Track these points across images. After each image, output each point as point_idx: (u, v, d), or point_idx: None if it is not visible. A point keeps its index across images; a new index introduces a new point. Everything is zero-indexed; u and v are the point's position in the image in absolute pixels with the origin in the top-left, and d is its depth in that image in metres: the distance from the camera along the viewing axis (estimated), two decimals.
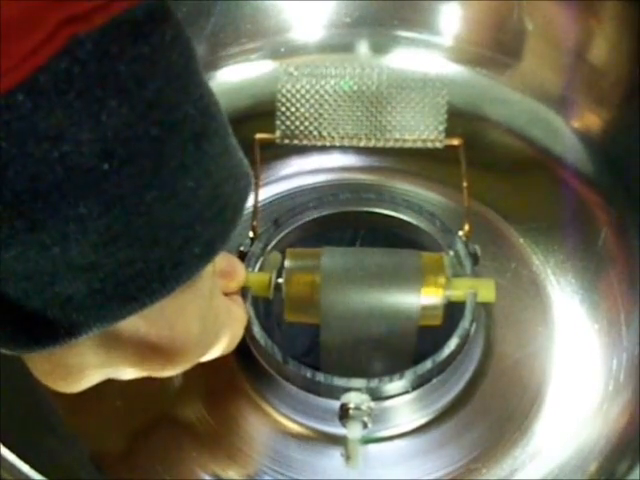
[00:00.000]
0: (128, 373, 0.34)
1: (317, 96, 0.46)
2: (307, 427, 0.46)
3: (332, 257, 0.45)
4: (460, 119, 0.53)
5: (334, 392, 0.43)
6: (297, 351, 0.50)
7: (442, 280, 0.45)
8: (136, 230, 0.26)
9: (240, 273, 0.43)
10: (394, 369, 0.44)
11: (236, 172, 0.29)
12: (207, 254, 0.28)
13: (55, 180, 0.24)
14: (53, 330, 0.27)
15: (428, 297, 0.45)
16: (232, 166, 0.29)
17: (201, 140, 0.27)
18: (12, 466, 0.36)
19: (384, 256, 0.46)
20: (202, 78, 0.27)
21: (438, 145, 0.47)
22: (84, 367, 0.32)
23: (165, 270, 0.27)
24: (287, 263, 0.46)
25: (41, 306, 0.26)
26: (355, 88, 0.46)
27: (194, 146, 0.26)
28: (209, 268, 0.33)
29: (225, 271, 0.41)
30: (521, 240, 0.53)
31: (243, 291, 0.44)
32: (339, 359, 0.46)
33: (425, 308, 0.45)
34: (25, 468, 0.35)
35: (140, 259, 0.26)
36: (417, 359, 0.44)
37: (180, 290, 0.28)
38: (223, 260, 0.41)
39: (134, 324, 0.30)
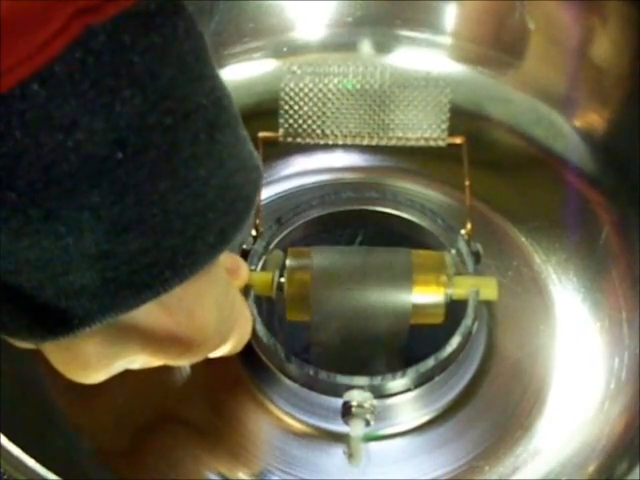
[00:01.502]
0: (145, 361, 0.34)
1: (320, 94, 0.46)
2: (310, 425, 0.46)
3: (322, 256, 0.46)
4: (462, 118, 0.53)
5: (337, 390, 0.43)
6: (300, 348, 0.50)
7: (443, 278, 0.45)
8: (149, 219, 0.26)
9: (243, 271, 0.43)
10: (386, 368, 0.44)
11: (247, 164, 0.29)
12: (220, 243, 0.28)
13: (69, 169, 0.24)
14: (67, 319, 0.27)
15: (427, 295, 0.45)
16: (243, 157, 0.29)
17: (213, 130, 0.27)
18: (18, 460, 0.36)
19: (375, 255, 0.46)
20: (214, 70, 0.27)
21: (441, 144, 0.47)
22: (103, 356, 0.32)
23: (178, 259, 0.27)
24: (288, 262, 0.46)
25: (55, 295, 0.27)
26: (358, 87, 0.46)
27: (207, 136, 0.26)
28: (222, 259, 0.33)
29: (228, 269, 0.41)
30: (523, 239, 0.53)
31: (246, 290, 0.45)
32: (330, 357, 0.46)
33: (426, 306, 0.45)
34: (30, 462, 0.35)
35: (153, 248, 0.27)
36: (419, 357, 0.44)
37: (197, 279, 0.29)
38: (226, 258, 0.41)
39: (154, 313, 0.30)
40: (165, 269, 0.27)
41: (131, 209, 0.25)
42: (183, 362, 0.35)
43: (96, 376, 0.33)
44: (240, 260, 0.43)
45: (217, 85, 0.27)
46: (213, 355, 0.37)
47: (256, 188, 0.30)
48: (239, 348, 0.41)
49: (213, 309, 0.32)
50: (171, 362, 0.34)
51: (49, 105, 0.23)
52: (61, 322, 0.27)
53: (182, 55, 0.25)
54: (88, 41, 0.23)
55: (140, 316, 0.30)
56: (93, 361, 0.32)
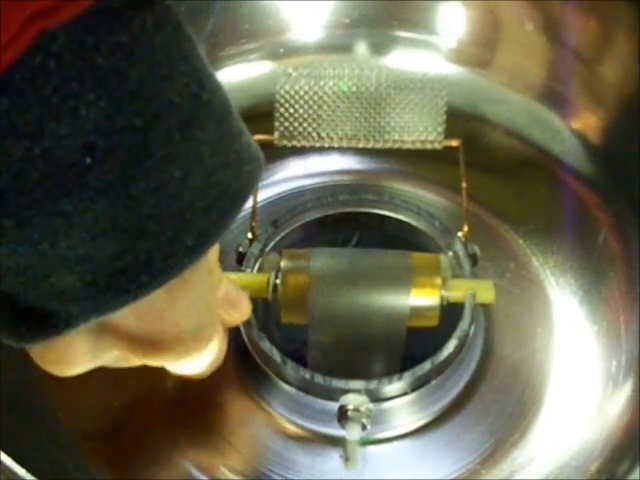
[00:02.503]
0: (125, 359, 0.34)
1: (316, 97, 0.46)
2: (306, 429, 0.45)
3: (321, 258, 0.45)
4: (459, 120, 0.53)
5: (333, 394, 0.43)
6: (296, 350, 0.50)
7: (438, 281, 0.45)
8: (123, 223, 0.25)
9: (245, 305, 0.41)
10: (383, 370, 0.44)
11: (240, 157, 0.28)
12: (201, 245, 0.28)
13: (38, 177, 0.23)
14: (52, 321, 0.27)
15: (422, 298, 0.45)
16: (233, 151, 0.28)
17: (190, 128, 0.26)
18: (6, 468, 0.36)
19: (373, 257, 0.46)
20: (192, 64, 0.26)
21: (437, 146, 0.47)
22: (78, 353, 0.32)
23: (155, 262, 0.27)
24: (283, 264, 0.46)
25: (38, 299, 0.27)
26: (354, 89, 0.46)
27: (180, 135, 0.26)
28: (204, 267, 0.32)
29: (230, 299, 0.40)
30: (520, 241, 0.53)
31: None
32: (327, 359, 0.45)
33: (421, 309, 0.45)
34: (21, 472, 0.35)
35: (129, 252, 0.26)
36: (416, 360, 0.44)
37: (172, 284, 0.28)
38: (229, 288, 0.39)
39: (124, 314, 0.30)
40: (142, 273, 0.27)
41: (103, 215, 0.25)
42: (159, 363, 0.34)
43: (72, 370, 0.33)
44: (243, 293, 0.41)
45: (195, 80, 0.26)
46: (192, 369, 0.37)
47: (251, 181, 0.29)
48: (213, 367, 0.40)
49: (187, 314, 0.32)
50: (149, 363, 0.34)
51: (12, 113, 0.22)
52: (48, 324, 0.27)
53: (151, 52, 0.25)
54: (48, 45, 0.22)
55: (112, 316, 0.29)
56: (69, 357, 0.32)
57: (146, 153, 0.25)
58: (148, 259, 0.27)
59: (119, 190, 0.25)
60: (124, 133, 0.24)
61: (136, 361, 0.34)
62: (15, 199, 0.23)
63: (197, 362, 0.37)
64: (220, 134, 0.27)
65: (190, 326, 0.32)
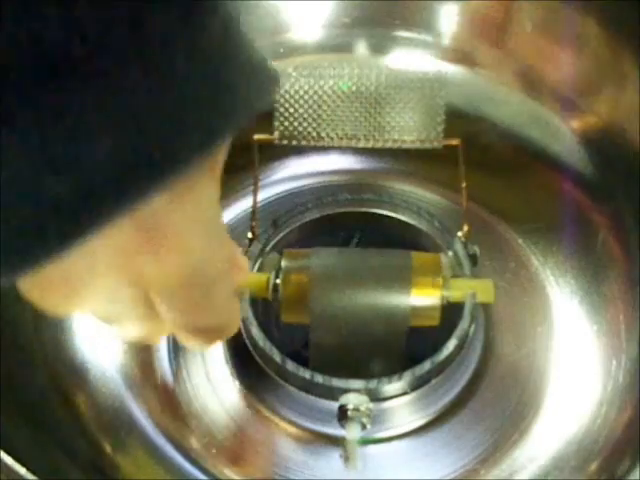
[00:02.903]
0: (140, 305, 0.31)
1: (316, 97, 0.46)
2: (306, 428, 0.46)
3: (321, 258, 0.45)
4: (459, 119, 0.53)
5: (333, 393, 0.43)
6: (297, 349, 0.50)
7: (439, 280, 0.45)
8: (118, 117, 0.24)
9: (244, 267, 0.38)
10: (385, 370, 0.44)
11: (252, 62, 0.27)
12: (206, 142, 0.26)
13: (25, 65, 0.22)
14: (45, 239, 0.25)
15: (423, 298, 0.45)
16: (244, 55, 0.26)
17: (191, 20, 0.24)
18: (6, 467, 0.36)
19: (374, 256, 0.46)
20: None
21: (437, 145, 0.47)
22: (77, 281, 0.29)
23: (154, 160, 0.25)
24: (283, 263, 0.46)
25: (32, 212, 0.24)
26: (354, 88, 0.46)
27: (182, 23, 0.24)
28: (209, 179, 0.30)
29: (229, 259, 0.36)
30: (520, 241, 0.53)
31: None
32: (328, 359, 0.46)
33: (422, 309, 0.45)
34: (22, 471, 0.35)
35: (126, 150, 0.24)
36: (416, 360, 0.44)
37: (174, 190, 0.26)
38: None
39: (123, 230, 0.27)
40: (140, 174, 0.25)
41: (97, 107, 0.23)
42: (175, 297, 0.31)
43: (65, 303, 0.30)
44: (242, 256, 0.38)
45: None
46: (209, 332, 0.35)
47: (264, 89, 0.27)
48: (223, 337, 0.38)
49: (190, 232, 0.29)
50: (164, 305, 0.32)
51: None
52: (38, 246, 0.25)
53: None
54: None
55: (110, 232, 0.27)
56: (67, 287, 0.29)
57: (142, 36, 0.23)
58: (147, 156, 0.25)
59: (114, 79, 0.23)
60: (117, 15, 0.23)
61: (148, 307, 0.32)
62: (1, 92, 0.22)
63: (213, 314, 0.33)
64: (227, 35, 0.26)
65: (197, 248, 0.30)
